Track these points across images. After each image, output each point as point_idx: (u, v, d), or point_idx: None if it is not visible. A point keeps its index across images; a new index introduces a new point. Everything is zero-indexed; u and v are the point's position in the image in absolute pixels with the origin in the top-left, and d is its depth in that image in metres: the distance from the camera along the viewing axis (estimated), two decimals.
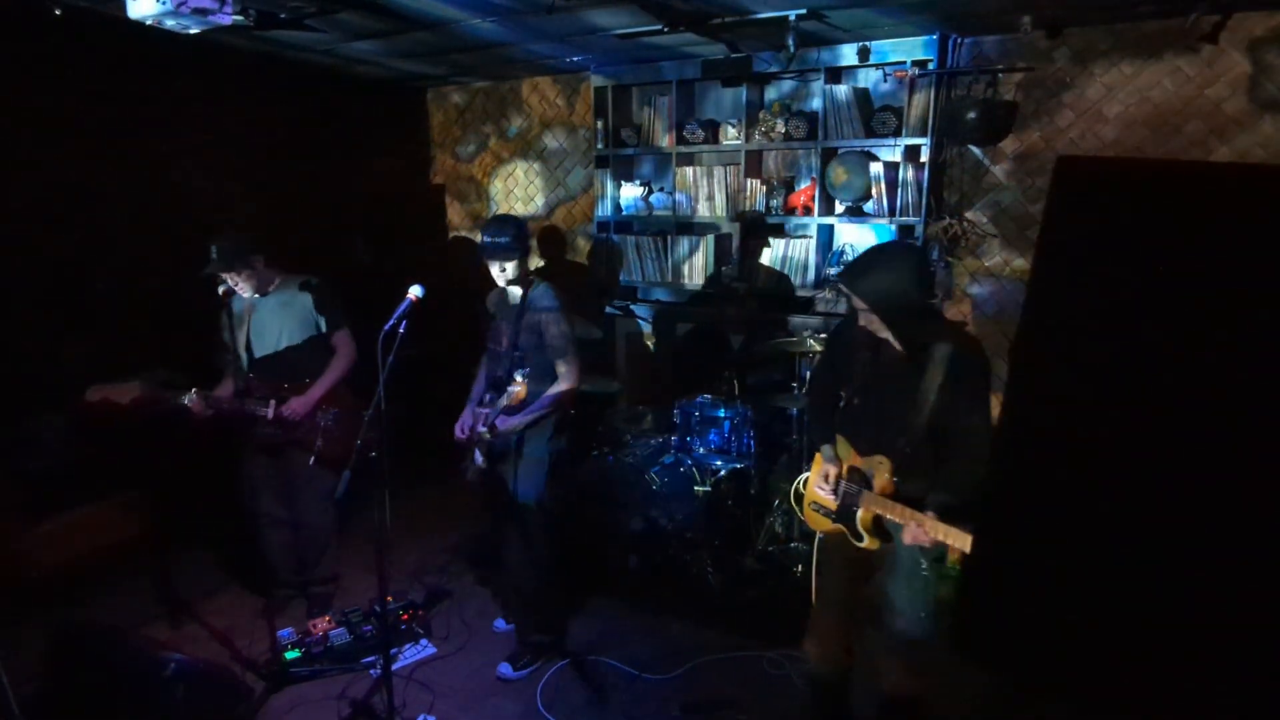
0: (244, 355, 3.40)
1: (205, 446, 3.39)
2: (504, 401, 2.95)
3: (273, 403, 3.34)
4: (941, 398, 2.31)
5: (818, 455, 2.68)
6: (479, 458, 3.17)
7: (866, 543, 2.47)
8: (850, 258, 4.37)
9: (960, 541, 2.20)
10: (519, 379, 2.91)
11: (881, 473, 2.43)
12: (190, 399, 3.26)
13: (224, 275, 3.27)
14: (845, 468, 2.56)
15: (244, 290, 3.35)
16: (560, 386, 3.15)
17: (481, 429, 3.08)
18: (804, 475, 2.76)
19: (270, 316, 3.41)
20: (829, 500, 2.57)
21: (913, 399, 2.35)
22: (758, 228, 4.56)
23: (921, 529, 2.28)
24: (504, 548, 3.34)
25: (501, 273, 3.11)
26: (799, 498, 2.75)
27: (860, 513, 2.45)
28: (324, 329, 3.53)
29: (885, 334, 2.38)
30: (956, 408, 2.32)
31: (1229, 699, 3.20)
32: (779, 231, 4.58)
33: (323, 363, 3.50)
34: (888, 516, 2.40)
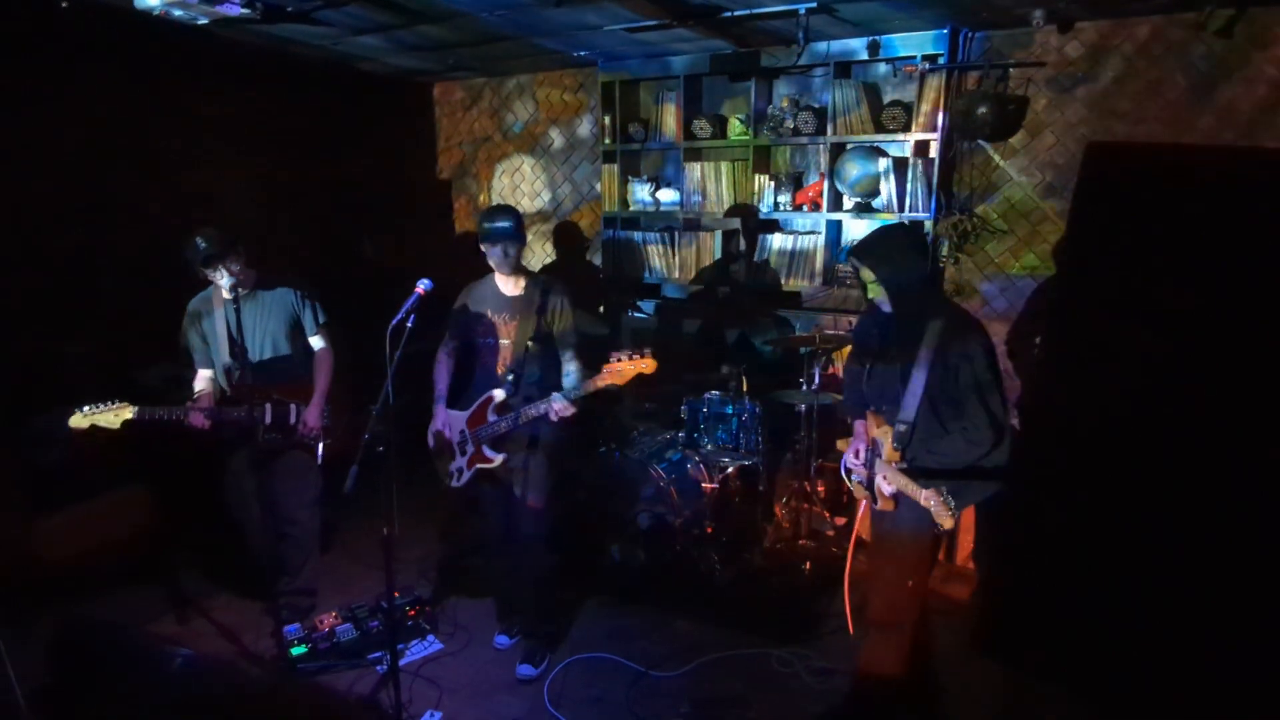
0: (226, 357, 3.32)
1: (207, 445, 3.36)
2: (584, 387, 2.91)
3: (268, 406, 3.30)
4: (935, 371, 2.47)
5: (855, 425, 2.87)
6: (493, 454, 3.14)
7: (880, 505, 2.63)
8: None
9: (913, 493, 2.40)
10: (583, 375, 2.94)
11: (886, 442, 2.58)
12: (189, 414, 3.19)
13: (210, 270, 3.18)
14: (870, 439, 2.71)
15: (226, 286, 3.19)
16: (578, 372, 3.18)
17: (556, 405, 2.97)
18: (850, 448, 2.88)
19: (253, 317, 3.33)
20: (863, 471, 2.74)
21: (910, 372, 2.51)
22: (752, 224, 4.58)
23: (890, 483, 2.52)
24: (511, 542, 3.32)
25: (505, 258, 3.09)
26: (848, 471, 2.87)
27: (876, 479, 2.63)
28: (309, 327, 3.49)
29: (888, 307, 2.57)
30: (949, 380, 2.48)
31: (1238, 697, 3.17)
32: (774, 227, 4.57)
33: (305, 361, 3.48)
34: (884, 478, 2.57)
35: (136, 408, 3.10)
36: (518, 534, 3.29)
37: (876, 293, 2.58)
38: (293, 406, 3.38)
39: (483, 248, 3.11)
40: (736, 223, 4.71)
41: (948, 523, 2.36)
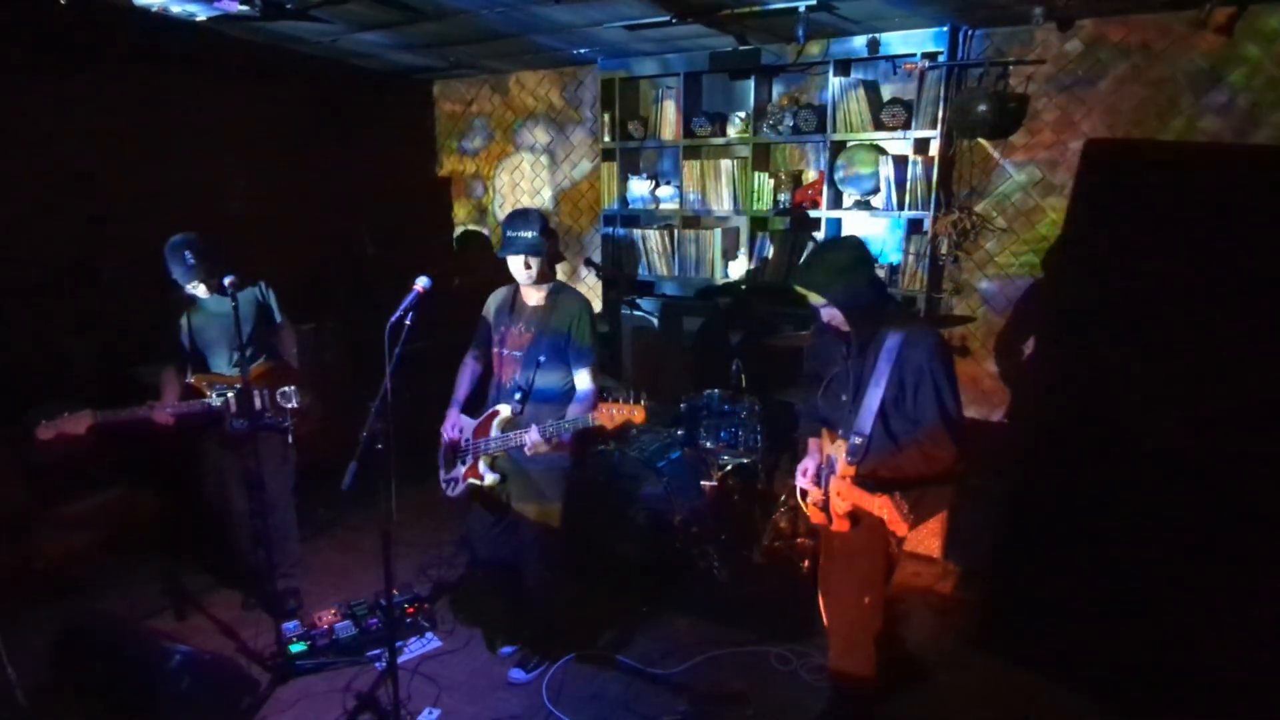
0: (192, 354, 3.36)
1: (177, 439, 3.36)
2: (569, 425, 2.75)
3: (230, 395, 3.30)
4: (892, 384, 2.43)
5: (809, 445, 2.80)
6: (488, 473, 3.00)
7: (834, 525, 2.56)
8: None
9: (868, 504, 2.38)
10: (544, 433, 2.74)
11: (840, 458, 2.53)
12: (153, 412, 3.19)
13: (190, 285, 3.23)
14: (825, 456, 2.65)
15: (204, 291, 3.30)
16: (590, 397, 2.95)
17: (529, 439, 2.82)
18: (799, 469, 2.81)
19: (219, 317, 3.35)
20: (816, 491, 2.66)
21: (865, 387, 2.47)
22: (801, 224, 4.52)
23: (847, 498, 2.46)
24: (517, 562, 3.20)
25: (526, 270, 2.90)
26: (802, 493, 2.79)
27: (831, 497, 2.55)
28: (278, 317, 3.56)
29: (845, 326, 2.49)
30: (905, 394, 2.43)
31: (1238, 691, 3.18)
32: (764, 226, 4.57)
33: (271, 351, 3.54)
34: (839, 495, 2.51)
35: (95, 413, 3.08)
36: (518, 562, 3.17)
37: (830, 315, 2.50)
38: (256, 392, 3.37)
39: (502, 257, 2.93)
40: (736, 221, 4.70)
41: (902, 529, 2.34)
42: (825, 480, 2.60)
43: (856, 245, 2.53)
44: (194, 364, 3.39)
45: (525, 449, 2.83)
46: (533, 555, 3.13)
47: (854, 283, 2.43)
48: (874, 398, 2.44)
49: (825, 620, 2.87)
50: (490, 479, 3.01)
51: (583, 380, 2.99)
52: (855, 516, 2.52)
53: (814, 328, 2.84)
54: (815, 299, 2.47)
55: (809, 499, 2.71)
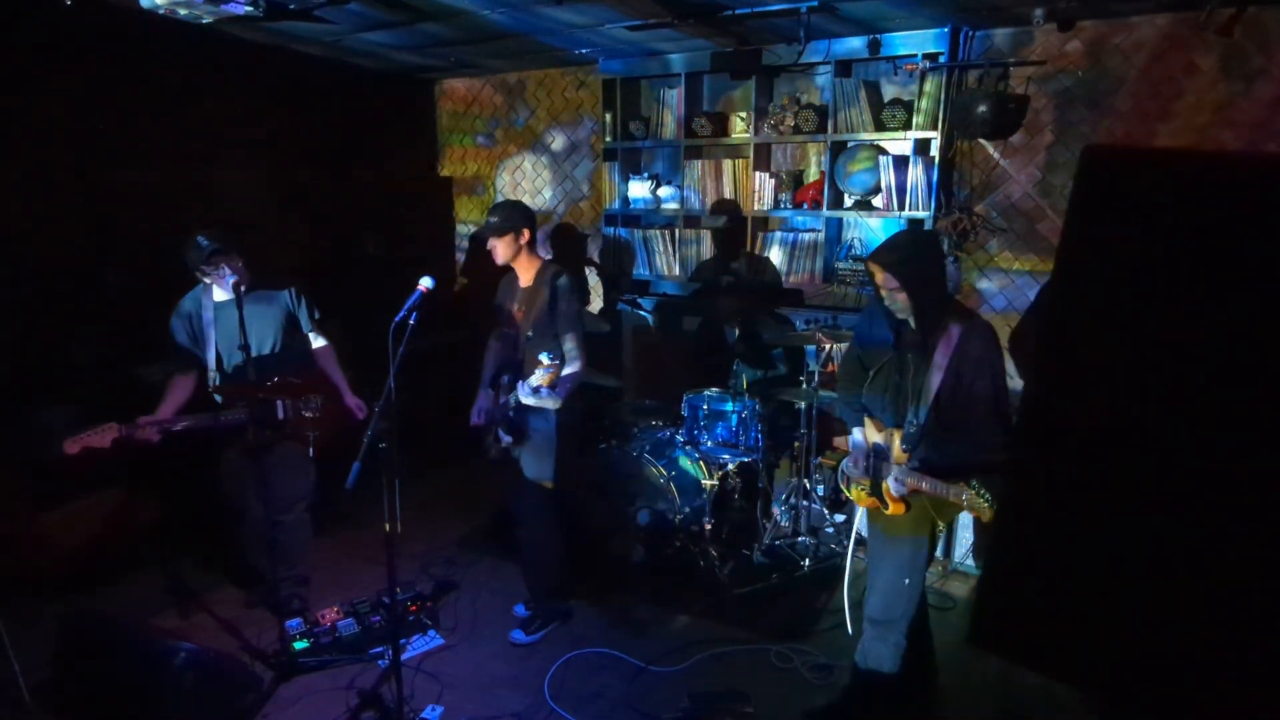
0: (215, 358, 3.36)
1: (199, 445, 3.37)
2: (537, 380, 2.87)
3: (244, 406, 3.30)
4: (948, 373, 2.50)
5: (853, 433, 2.88)
6: (504, 436, 3.28)
7: (890, 509, 2.64)
8: (859, 251, 4.38)
9: (941, 492, 2.45)
10: (546, 360, 2.88)
11: (894, 444, 2.61)
12: (176, 424, 3.21)
13: (212, 268, 3.23)
14: (871, 444, 2.73)
15: (225, 286, 3.27)
16: (573, 367, 3.20)
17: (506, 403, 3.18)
18: (848, 457, 2.89)
19: (250, 315, 3.32)
20: (863, 477, 2.74)
21: (924, 375, 2.54)
22: (737, 223, 4.62)
23: (913, 483, 2.53)
24: (521, 520, 3.47)
25: (496, 253, 3.21)
26: (847, 480, 2.87)
27: (884, 483, 2.64)
28: (305, 324, 3.55)
29: (908, 314, 2.56)
30: (961, 387, 2.51)
31: (1238, 693, 3.19)
32: (764, 225, 4.60)
33: (297, 358, 3.51)
34: (896, 480, 2.58)
35: (120, 426, 3.08)
36: (520, 515, 3.46)
37: (892, 299, 2.55)
38: (279, 403, 3.38)
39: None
40: (737, 220, 4.72)
41: (987, 515, 2.39)
42: (875, 468, 2.68)
43: (932, 238, 2.67)
44: (218, 370, 3.38)
45: (528, 388, 2.95)
46: (526, 503, 3.38)
47: (926, 271, 2.53)
48: (931, 386, 2.52)
49: (847, 609, 3.02)
50: (504, 441, 3.32)
51: (569, 346, 3.22)
52: (908, 501, 2.60)
53: (859, 321, 2.96)
54: (889, 280, 2.53)
55: (854, 486, 2.80)
